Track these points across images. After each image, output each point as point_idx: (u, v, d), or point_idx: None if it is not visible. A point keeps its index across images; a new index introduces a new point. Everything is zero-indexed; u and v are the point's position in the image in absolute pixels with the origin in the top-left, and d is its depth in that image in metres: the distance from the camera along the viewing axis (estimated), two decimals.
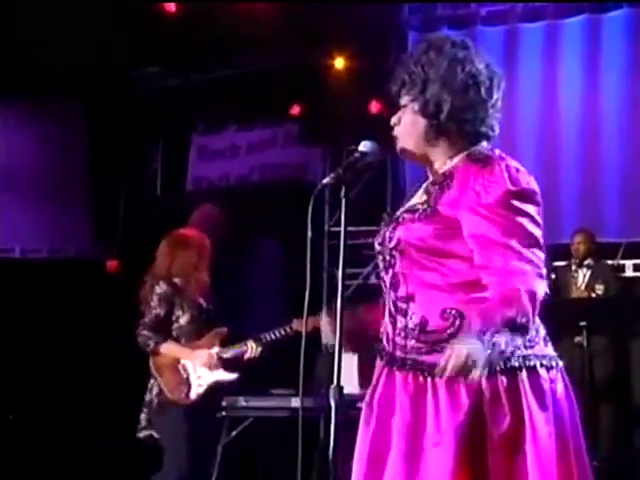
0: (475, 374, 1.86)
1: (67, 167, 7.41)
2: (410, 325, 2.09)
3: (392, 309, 2.13)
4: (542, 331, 2.11)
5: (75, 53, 6.48)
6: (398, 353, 2.11)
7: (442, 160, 2.16)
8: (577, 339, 5.55)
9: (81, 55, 6.52)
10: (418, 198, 2.18)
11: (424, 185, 2.21)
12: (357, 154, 2.12)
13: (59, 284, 6.81)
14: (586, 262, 5.84)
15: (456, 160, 2.14)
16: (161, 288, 4.13)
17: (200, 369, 4.10)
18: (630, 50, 6.42)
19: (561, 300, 5.85)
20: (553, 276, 6.05)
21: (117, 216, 7.53)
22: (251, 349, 4.11)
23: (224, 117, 7.54)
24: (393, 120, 2.19)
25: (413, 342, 2.08)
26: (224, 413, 4.69)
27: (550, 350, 2.10)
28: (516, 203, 2.01)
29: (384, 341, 2.16)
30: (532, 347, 2.06)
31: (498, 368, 2.00)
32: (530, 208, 2.04)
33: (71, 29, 6.18)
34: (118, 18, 6.30)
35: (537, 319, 2.08)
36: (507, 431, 2.00)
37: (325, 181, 2.07)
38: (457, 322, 2.03)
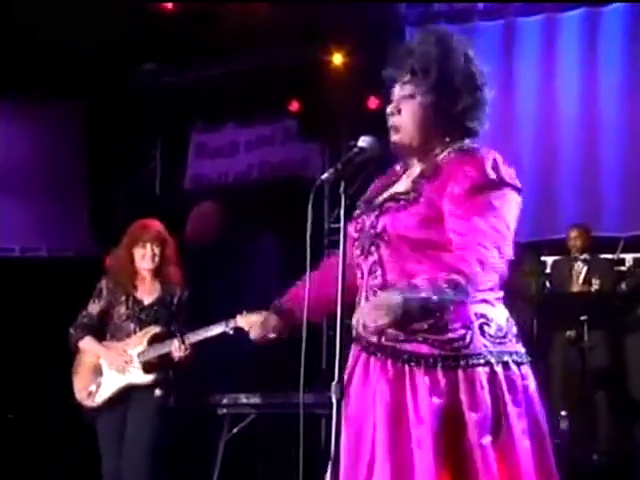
0: (384, 320, 1.89)
1: (66, 166, 7.40)
2: None
3: (370, 296, 2.13)
4: (514, 329, 2.14)
5: (73, 51, 6.47)
6: (376, 340, 2.11)
7: (436, 152, 2.17)
8: (568, 333, 5.57)
9: (79, 53, 6.52)
10: (402, 186, 2.19)
11: (407, 174, 2.23)
12: (356, 149, 2.10)
13: (59, 283, 6.81)
14: (583, 256, 5.85)
15: (445, 153, 2.16)
16: (101, 283, 4.12)
17: (111, 371, 4.01)
18: (628, 43, 6.41)
19: (560, 295, 5.85)
20: (549, 271, 6.06)
21: (116, 214, 7.52)
22: (175, 349, 3.90)
23: (223, 114, 7.53)
24: (390, 109, 2.18)
25: (392, 330, 2.07)
26: (225, 410, 4.69)
27: (520, 347, 2.14)
28: (491, 192, 2.04)
29: (359, 327, 2.14)
30: (504, 344, 2.09)
31: (475, 361, 2.03)
32: (509, 196, 2.06)
33: (68, 27, 6.17)
34: (116, 16, 6.30)
35: (509, 317, 2.13)
36: (484, 420, 2.02)
37: (324, 177, 2.04)
38: (437, 314, 2.04)
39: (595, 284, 5.67)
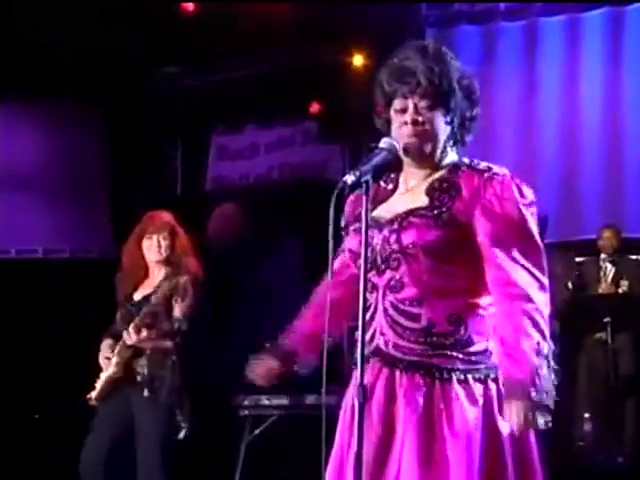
0: (539, 424, 1.99)
1: (88, 168, 7.45)
2: (416, 328, 2.11)
3: (391, 311, 2.14)
4: (491, 343, 2.16)
5: (95, 53, 6.52)
6: (401, 355, 2.12)
7: (444, 164, 2.21)
8: (598, 335, 5.54)
9: (101, 56, 6.56)
10: (415, 200, 2.18)
11: (407, 187, 2.23)
12: (377, 151, 2.10)
13: (81, 284, 6.85)
14: (612, 257, 5.85)
15: (451, 165, 2.19)
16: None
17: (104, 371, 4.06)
18: None
19: (586, 296, 5.82)
20: (577, 272, 6.02)
21: (138, 216, 7.56)
22: (126, 337, 3.90)
23: (243, 116, 7.55)
24: (412, 117, 2.17)
25: (419, 345, 2.10)
26: (246, 412, 4.69)
27: None
28: (527, 211, 2.12)
29: (377, 341, 2.15)
30: (490, 358, 2.14)
31: (493, 375, 2.10)
32: (535, 216, 2.16)
33: (91, 29, 6.21)
34: (137, 18, 6.33)
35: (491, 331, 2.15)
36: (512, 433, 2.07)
37: (345, 179, 2.03)
38: (462, 328, 2.10)
39: (624, 285, 5.66)
